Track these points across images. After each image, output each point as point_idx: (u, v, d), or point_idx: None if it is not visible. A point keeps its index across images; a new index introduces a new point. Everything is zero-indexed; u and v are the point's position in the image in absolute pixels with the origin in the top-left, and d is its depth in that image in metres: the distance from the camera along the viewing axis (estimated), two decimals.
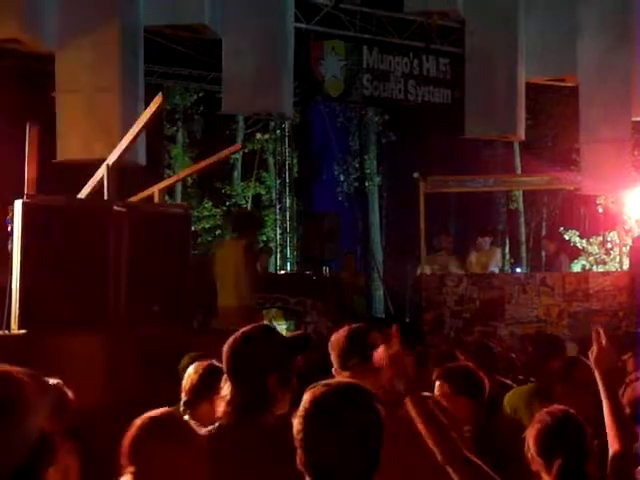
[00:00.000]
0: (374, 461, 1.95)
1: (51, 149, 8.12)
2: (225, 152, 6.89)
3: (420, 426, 2.31)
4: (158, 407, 3.07)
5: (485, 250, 11.91)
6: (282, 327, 9.95)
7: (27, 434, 1.61)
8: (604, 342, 2.97)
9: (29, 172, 5.24)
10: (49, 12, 8.01)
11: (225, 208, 18.39)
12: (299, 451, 1.95)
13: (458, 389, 3.54)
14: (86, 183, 5.97)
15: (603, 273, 12.00)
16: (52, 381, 3.36)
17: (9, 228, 5.37)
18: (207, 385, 3.50)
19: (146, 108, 5.92)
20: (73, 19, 8.15)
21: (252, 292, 7.85)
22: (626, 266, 10.67)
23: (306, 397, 1.98)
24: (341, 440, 1.90)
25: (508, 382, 4.88)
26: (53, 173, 7.35)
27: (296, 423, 1.96)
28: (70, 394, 3.35)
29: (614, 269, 12.77)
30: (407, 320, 12.15)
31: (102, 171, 5.73)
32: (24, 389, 1.65)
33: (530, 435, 2.87)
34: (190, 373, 3.70)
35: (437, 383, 3.60)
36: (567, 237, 14.90)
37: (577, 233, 15.09)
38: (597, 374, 2.94)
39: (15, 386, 1.65)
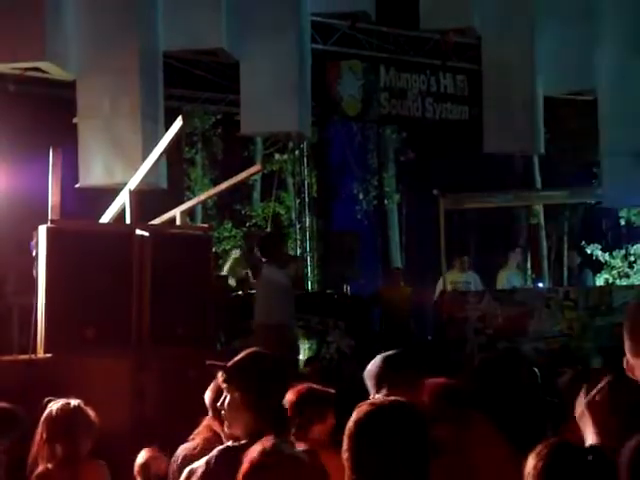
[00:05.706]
0: (420, 477, 1.94)
1: (74, 175, 8.22)
2: (246, 173, 6.93)
3: None
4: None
5: (513, 267, 11.80)
6: (305, 346, 9.95)
7: None
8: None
9: (53, 197, 5.31)
10: (70, 39, 8.12)
11: (245, 229, 18.44)
12: (347, 468, 1.95)
13: None
14: (108, 208, 6.04)
15: (627, 286, 11.92)
16: (73, 402, 3.40)
17: (34, 253, 5.44)
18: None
19: (166, 131, 5.99)
20: (93, 45, 8.26)
21: (275, 308, 7.77)
22: None
23: (353, 416, 1.98)
24: (387, 457, 1.90)
25: None
26: (76, 198, 7.45)
27: (344, 441, 1.97)
28: (92, 414, 3.39)
29: (638, 282, 12.68)
30: (429, 338, 12.09)
31: (124, 195, 5.80)
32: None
33: None
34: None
35: None
36: (589, 251, 14.79)
37: (599, 247, 14.98)
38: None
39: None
